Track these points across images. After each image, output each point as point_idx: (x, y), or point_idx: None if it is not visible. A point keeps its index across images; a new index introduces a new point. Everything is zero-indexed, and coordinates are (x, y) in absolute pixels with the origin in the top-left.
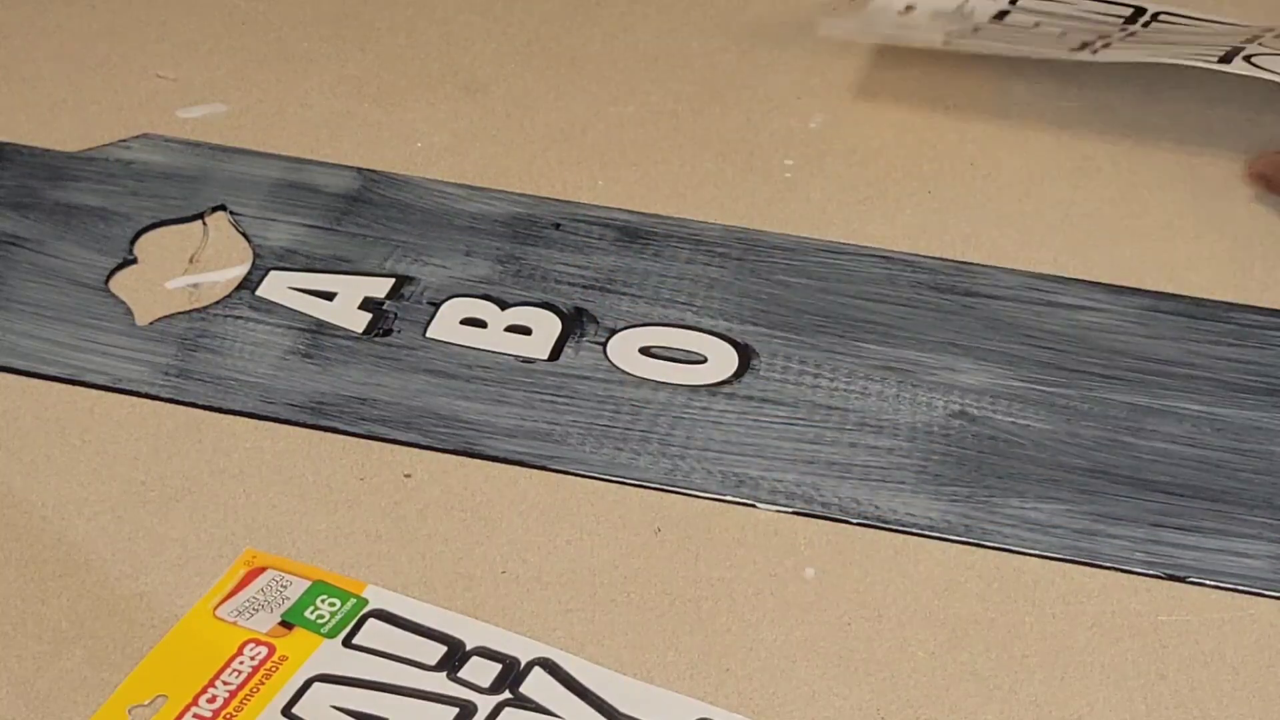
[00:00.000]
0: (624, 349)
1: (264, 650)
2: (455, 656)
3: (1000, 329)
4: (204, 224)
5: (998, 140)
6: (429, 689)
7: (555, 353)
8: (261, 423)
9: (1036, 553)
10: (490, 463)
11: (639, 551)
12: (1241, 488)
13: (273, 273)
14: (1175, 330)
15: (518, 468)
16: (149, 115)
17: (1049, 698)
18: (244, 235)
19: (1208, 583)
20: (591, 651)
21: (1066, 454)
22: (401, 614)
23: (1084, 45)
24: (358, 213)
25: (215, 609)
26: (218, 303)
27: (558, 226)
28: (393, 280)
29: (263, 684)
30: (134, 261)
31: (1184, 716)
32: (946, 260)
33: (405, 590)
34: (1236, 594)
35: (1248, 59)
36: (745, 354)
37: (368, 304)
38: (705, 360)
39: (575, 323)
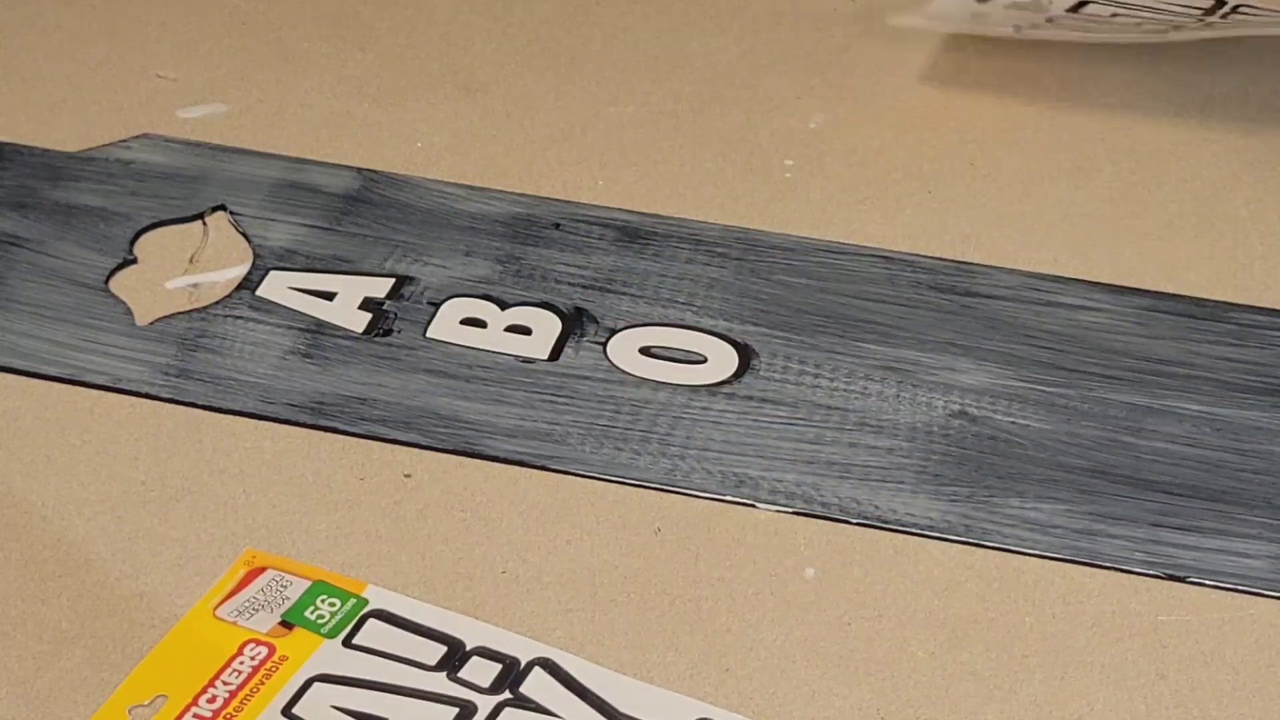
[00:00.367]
0: (624, 349)
1: (264, 650)
2: (455, 656)
3: (1000, 329)
4: (204, 224)
5: (998, 140)
6: (429, 689)
7: (555, 353)
8: (261, 423)
9: (1036, 553)
10: (490, 463)
11: (639, 551)
12: (1241, 488)
13: (273, 273)
14: (1175, 330)
15: (518, 468)
16: (149, 115)
17: (1049, 698)
18: (244, 235)
19: (1208, 583)
20: (591, 651)
21: (1066, 454)
22: (401, 614)
23: (1158, 32)
24: (358, 213)
25: (215, 609)
26: (218, 303)
27: (558, 226)
28: (393, 280)
29: (263, 684)
30: (134, 261)
31: (1184, 716)
32: (946, 260)
33: (405, 590)
34: (1236, 594)
35: None
36: (745, 354)
37: (368, 304)
38: (705, 360)
39: (575, 323)
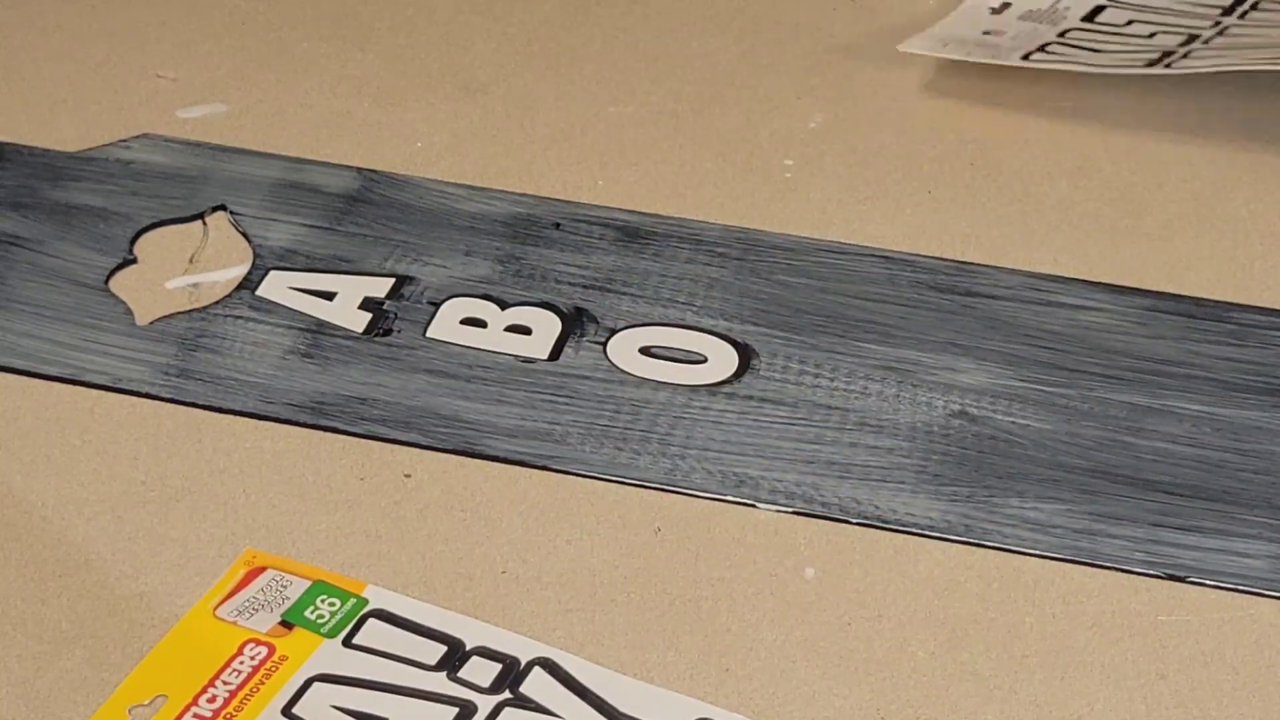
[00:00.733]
0: (624, 349)
1: (264, 650)
2: (455, 656)
3: (1000, 329)
4: (204, 224)
5: (998, 140)
6: (429, 689)
7: (555, 353)
8: (261, 423)
9: (1036, 553)
10: (490, 463)
11: (639, 551)
12: (1241, 488)
13: (273, 272)
14: (1175, 330)
15: (518, 468)
16: (149, 115)
17: (1049, 698)
18: (244, 235)
19: (1208, 583)
20: (591, 651)
21: (1066, 454)
22: (401, 614)
23: (1164, 55)
24: (358, 213)
25: (215, 609)
26: (218, 303)
27: (558, 226)
28: (393, 280)
29: (263, 684)
30: (134, 261)
31: (1184, 716)
32: (946, 260)
33: (405, 590)
34: (1236, 594)
35: None
36: (745, 354)
37: (368, 304)
38: (705, 360)
39: (575, 323)
